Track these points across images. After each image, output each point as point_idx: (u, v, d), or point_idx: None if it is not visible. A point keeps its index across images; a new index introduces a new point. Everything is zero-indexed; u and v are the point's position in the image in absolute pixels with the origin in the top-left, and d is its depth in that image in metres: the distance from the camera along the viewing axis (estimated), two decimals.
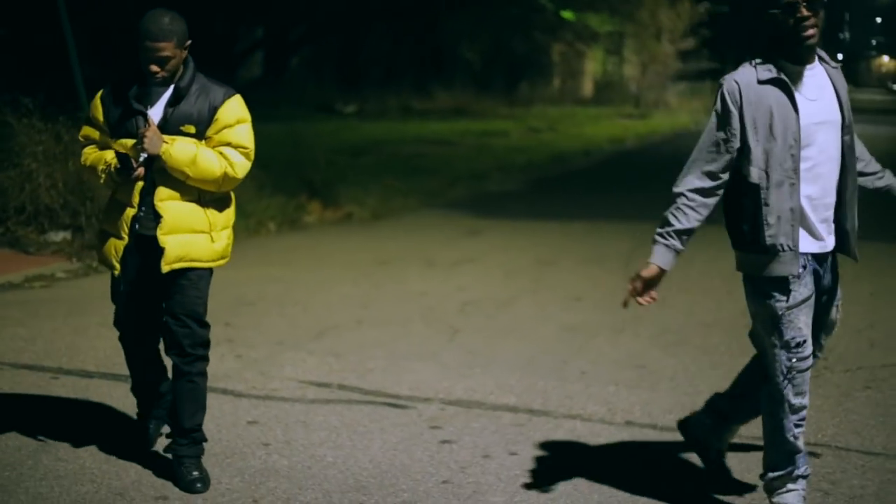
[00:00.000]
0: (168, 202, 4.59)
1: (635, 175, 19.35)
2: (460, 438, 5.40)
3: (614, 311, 7.52)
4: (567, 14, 37.14)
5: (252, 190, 12.70)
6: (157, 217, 4.58)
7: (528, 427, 5.59)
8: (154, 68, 4.50)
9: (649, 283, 4.20)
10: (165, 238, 4.57)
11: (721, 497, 4.71)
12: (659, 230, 4.21)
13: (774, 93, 4.07)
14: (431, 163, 19.88)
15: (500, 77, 38.12)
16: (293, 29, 38.16)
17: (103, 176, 4.66)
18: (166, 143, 4.52)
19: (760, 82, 4.08)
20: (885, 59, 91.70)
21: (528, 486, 4.78)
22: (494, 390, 6.23)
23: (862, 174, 4.46)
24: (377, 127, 26.39)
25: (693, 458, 5.08)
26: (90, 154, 4.76)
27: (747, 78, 4.11)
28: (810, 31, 4.03)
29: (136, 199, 4.61)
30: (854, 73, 77.50)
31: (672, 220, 4.20)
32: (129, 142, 4.58)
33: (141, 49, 4.49)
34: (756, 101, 4.08)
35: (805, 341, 4.19)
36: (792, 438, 4.28)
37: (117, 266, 4.69)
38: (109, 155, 4.63)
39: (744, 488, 4.80)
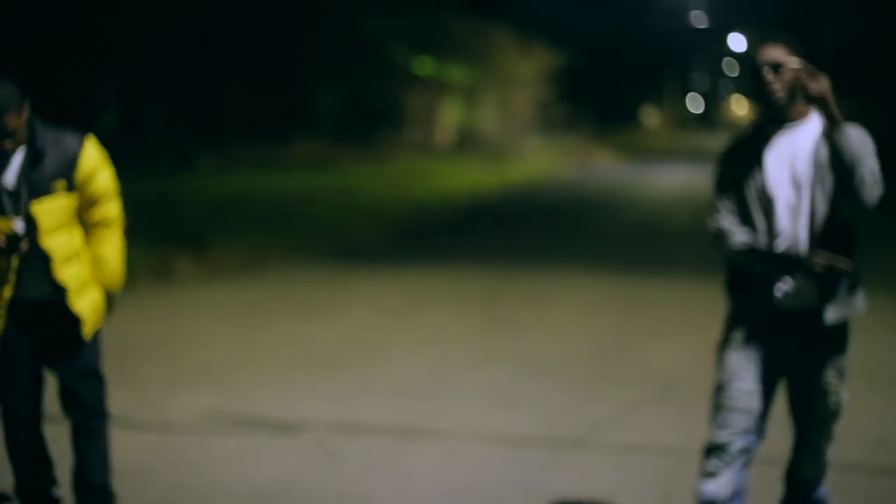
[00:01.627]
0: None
1: (493, 222, 20.23)
2: (346, 455, 6.04)
3: (477, 345, 8.24)
4: (422, 68, 38.17)
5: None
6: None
7: (405, 447, 6.25)
8: (6, 144, 4.43)
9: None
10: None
11: None
12: None
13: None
14: (296, 215, 20.38)
15: (357, 128, 38.84)
16: (149, 81, 38.33)
17: None
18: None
19: None
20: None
21: (406, 494, 5.43)
22: (375, 415, 6.87)
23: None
24: (238, 180, 26.80)
25: (560, 468, 5.79)
26: None
27: None
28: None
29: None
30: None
31: None
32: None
33: None
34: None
35: (738, 379, 4.16)
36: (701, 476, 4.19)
37: None
38: None
39: None
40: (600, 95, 58.14)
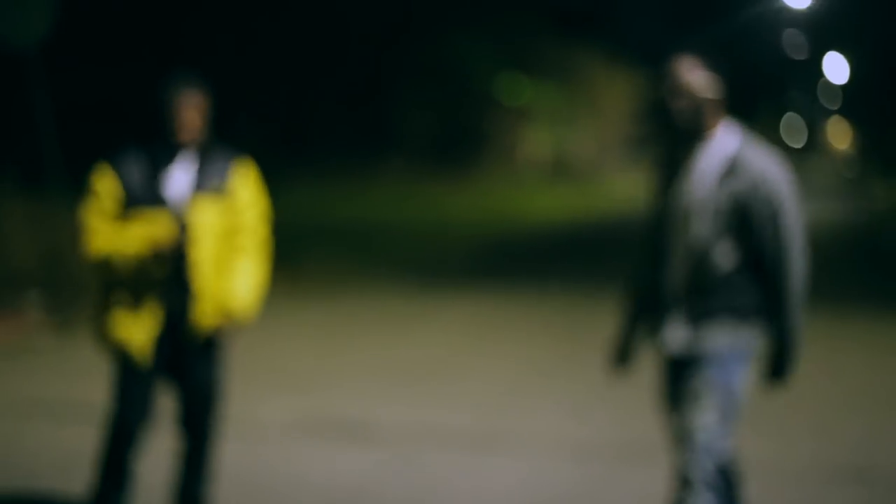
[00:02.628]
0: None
1: (579, 246, 20.40)
2: (424, 459, 6.34)
3: (553, 362, 8.60)
4: (512, 89, 38.38)
5: None
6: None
7: (482, 451, 6.53)
8: (184, 136, 4.59)
9: None
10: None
11: None
12: None
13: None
14: (380, 236, 20.74)
15: (445, 147, 39.18)
16: (239, 95, 39.05)
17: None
18: None
19: None
20: None
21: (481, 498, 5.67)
22: (452, 422, 7.16)
23: None
24: (324, 200, 27.28)
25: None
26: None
27: None
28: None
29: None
30: None
31: None
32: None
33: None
34: None
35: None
36: None
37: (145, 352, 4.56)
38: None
39: None
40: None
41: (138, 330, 4.48)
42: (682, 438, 4.10)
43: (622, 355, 4.39)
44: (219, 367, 4.69)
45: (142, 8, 27.61)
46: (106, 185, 4.50)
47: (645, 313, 4.24)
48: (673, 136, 4.08)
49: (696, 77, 3.98)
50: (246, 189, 4.64)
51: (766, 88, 67.54)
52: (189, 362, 4.59)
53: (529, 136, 42.09)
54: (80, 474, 5.39)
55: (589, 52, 41.29)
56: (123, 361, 4.54)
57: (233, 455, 6.29)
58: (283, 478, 5.97)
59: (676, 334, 4.09)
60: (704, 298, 4.05)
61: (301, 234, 17.88)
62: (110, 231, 4.47)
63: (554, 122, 42.31)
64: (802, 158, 63.94)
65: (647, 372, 7.46)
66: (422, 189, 32.87)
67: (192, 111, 4.48)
